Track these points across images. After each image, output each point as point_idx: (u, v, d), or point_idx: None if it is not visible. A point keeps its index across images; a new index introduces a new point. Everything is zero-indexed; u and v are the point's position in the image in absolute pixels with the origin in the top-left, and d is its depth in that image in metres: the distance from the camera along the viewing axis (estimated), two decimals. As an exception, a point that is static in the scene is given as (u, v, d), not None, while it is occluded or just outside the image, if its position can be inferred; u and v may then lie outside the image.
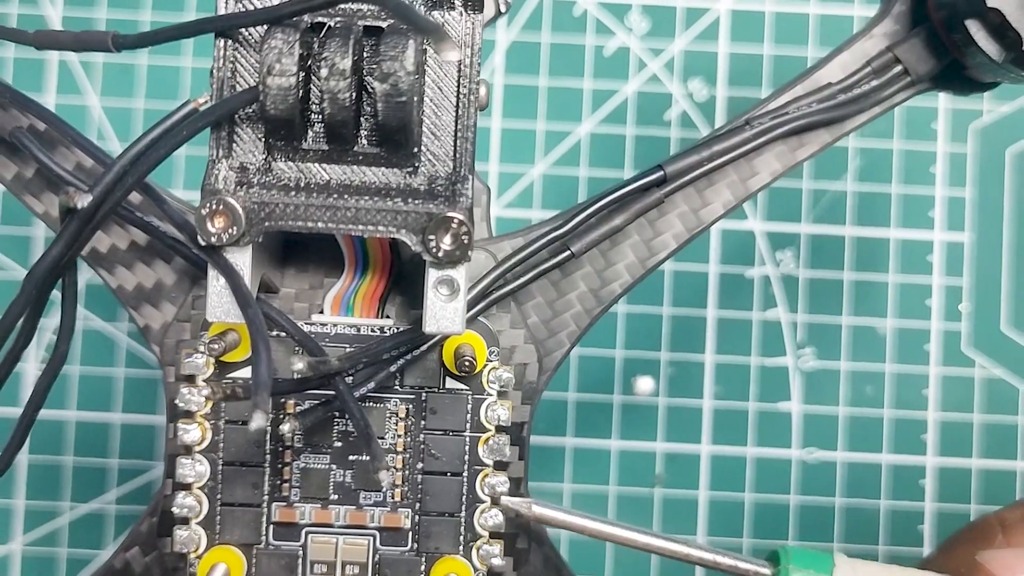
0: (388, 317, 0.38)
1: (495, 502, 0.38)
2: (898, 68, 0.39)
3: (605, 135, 0.60)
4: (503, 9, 0.39)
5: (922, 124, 0.59)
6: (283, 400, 0.37)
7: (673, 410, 0.59)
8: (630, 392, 0.59)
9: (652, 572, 0.58)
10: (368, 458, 0.35)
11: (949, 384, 0.59)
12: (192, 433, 0.37)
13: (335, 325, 0.37)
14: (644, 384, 0.59)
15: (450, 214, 0.32)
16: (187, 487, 0.37)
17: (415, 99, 0.31)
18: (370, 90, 0.31)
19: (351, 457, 0.38)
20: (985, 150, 0.60)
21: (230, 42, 0.32)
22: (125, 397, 0.58)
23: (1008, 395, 0.59)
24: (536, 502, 0.36)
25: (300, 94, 0.31)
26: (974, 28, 0.36)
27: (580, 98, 0.60)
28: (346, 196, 0.32)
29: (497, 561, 0.38)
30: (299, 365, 0.32)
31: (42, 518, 0.58)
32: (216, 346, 0.35)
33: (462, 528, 0.38)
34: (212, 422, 0.37)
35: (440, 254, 0.32)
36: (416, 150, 0.32)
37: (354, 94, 0.31)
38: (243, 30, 0.32)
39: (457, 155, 0.33)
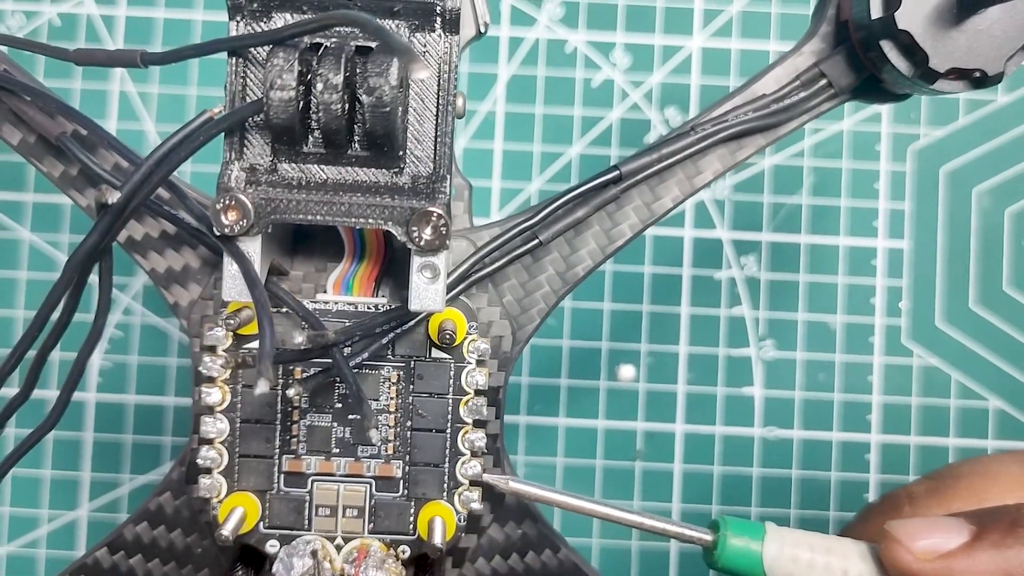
0: (382, 296, 0.38)
1: (474, 455, 0.38)
2: (823, 81, 0.39)
3: (593, 156, 0.60)
4: (483, 30, 0.39)
5: (867, 146, 0.60)
6: (291, 367, 0.37)
7: (651, 394, 0.59)
8: (614, 378, 0.59)
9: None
10: (361, 418, 0.35)
11: (890, 371, 0.59)
12: (214, 395, 0.37)
13: (336, 303, 0.38)
14: (626, 371, 0.59)
15: (430, 208, 0.32)
16: (210, 442, 0.38)
17: (399, 110, 0.31)
18: (360, 102, 0.31)
19: (350, 416, 0.38)
20: (921, 169, 0.60)
21: (241, 60, 0.32)
22: (177, 383, 0.59)
23: (941, 381, 0.59)
24: (512, 478, 0.37)
25: (299, 105, 0.31)
26: (887, 47, 0.36)
27: (571, 124, 0.60)
28: (341, 193, 0.32)
29: (475, 505, 0.38)
30: (299, 338, 0.32)
31: (105, 488, 0.59)
32: (232, 321, 0.35)
33: (445, 477, 0.38)
34: (231, 386, 0.38)
35: (422, 243, 0.32)
36: (401, 153, 0.33)
37: (346, 105, 0.31)
38: (252, 49, 0.32)
39: (437, 157, 0.33)
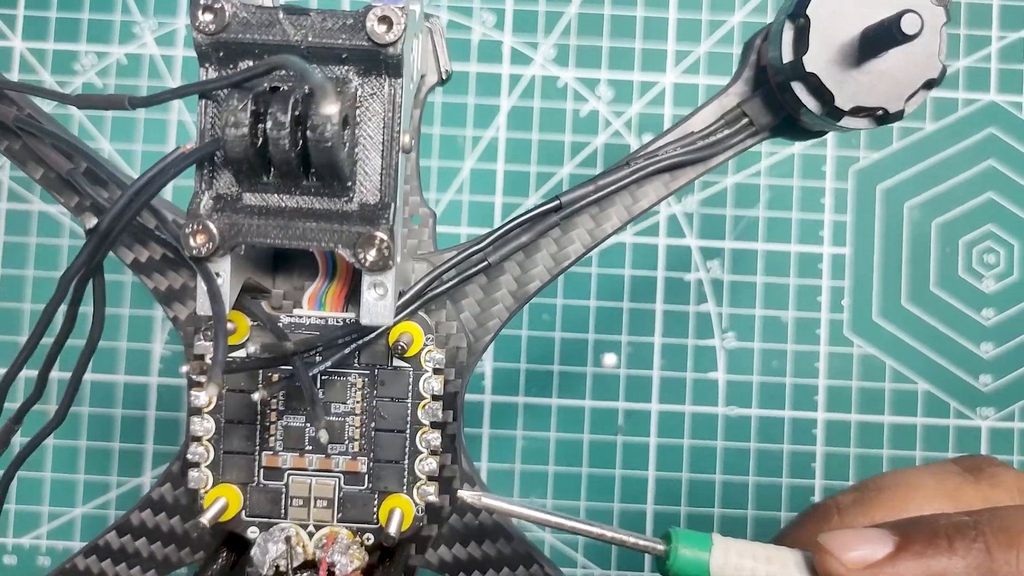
0: (351, 311, 0.37)
1: (432, 453, 0.37)
2: (745, 120, 0.37)
3: (581, 175, 0.60)
4: (445, 77, 0.38)
5: (815, 167, 0.60)
6: (268, 373, 0.36)
7: (631, 378, 0.59)
8: (599, 365, 0.59)
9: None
10: (316, 417, 0.34)
11: (834, 359, 0.59)
12: (202, 398, 0.36)
13: (309, 317, 0.37)
14: (609, 359, 0.59)
15: (375, 233, 0.31)
16: (198, 439, 0.37)
17: (342, 145, 0.30)
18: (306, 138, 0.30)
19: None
20: (861, 186, 0.60)
21: (209, 101, 0.31)
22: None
23: (877, 367, 0.59)
24: (485, 495, 0.35)
25: (252, 141, 0.30)
26: (798, 88, 0.34)
27: (562, 148, 0.60)
28: (297, 219, 0.31)
29: (432, 498, 0.37)
30: (251, 348, 0.31)
31: (166, 457, 0.59)
32: (211, 332, 0.34)
33: (405, 472, 0.37)
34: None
35: (367, 264, 0.31)
36: (350, 184, 0.32)
37: (296, 141, 0.30)
38: (219, 92, 0.31)
39: (383, 188, 0.32)
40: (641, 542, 0.34)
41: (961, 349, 0.59)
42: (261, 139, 0.30)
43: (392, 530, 0.35)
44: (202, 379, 0.36)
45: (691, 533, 0.34)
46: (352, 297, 0.37)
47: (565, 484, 0.59)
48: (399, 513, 0.36)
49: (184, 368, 0.31)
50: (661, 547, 0.34)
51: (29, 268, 0.59)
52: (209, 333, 0.34)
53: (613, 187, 0.37)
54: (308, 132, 0.29)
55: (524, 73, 0.60)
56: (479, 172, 0.60)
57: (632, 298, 0.59)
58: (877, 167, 0.60)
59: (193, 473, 0.37)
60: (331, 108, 0.27)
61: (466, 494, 0.35)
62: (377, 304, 0.32)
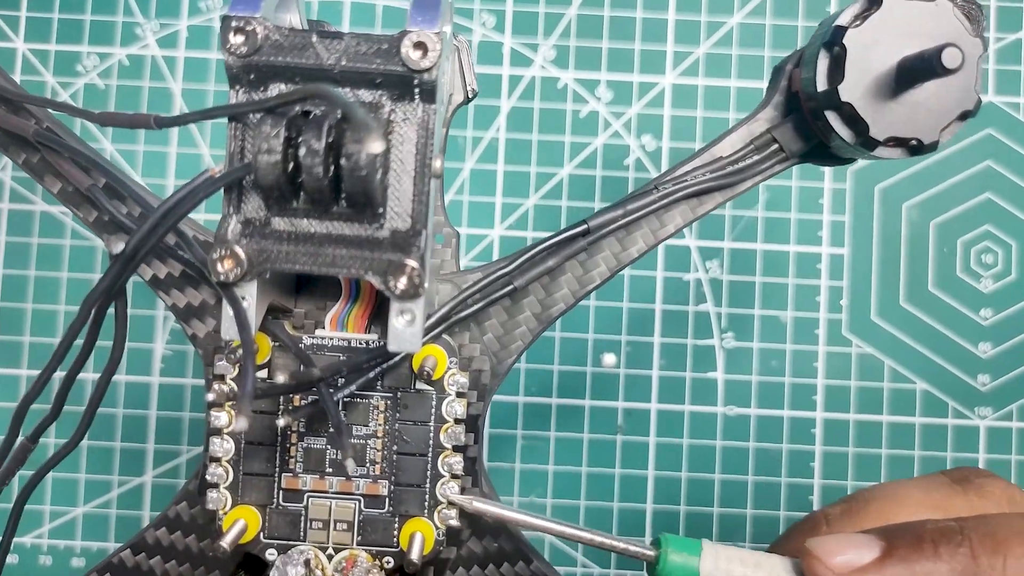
0: (374, 333, 0.37)
1: (454, 476, 0.37)
2: (775, 146, 0.37)
3: (580, 176, 0.60)
4: (471, 96, 0.38)
5: (813, 168, 0.59)
6: (290, 397, 0.36)
7: (630, 377, 0.59)
8: (599, 365, 0.59)
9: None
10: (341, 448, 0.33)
11: (832, 358, 0.60)
12: (222, 419, 0.36)
13: (332, 339, 0.36)
14: (609, 359, 0.59)
15: (406, 261, 0.30)
16: (217, 460, 0.36)
17: (376, 173, 0.30)
18: (340, 165, 0.30)
19: (343, 440, 0.36)
20: (859, 187, 0.60)
21: (239, 124, 0.31)
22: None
23: (876, 367, 0.60)
24: (476, 499, 0.35)
25: (285, 167, 0.29)
26: (832, 117, 0.34)
27: (562, 149, 0.60)
28: (326, 245, 0.31)
29: (453, 522, 0.37)
30: (281, 378, 0.31)
31: (167, 457, 0.59)
32: (233, 356, 0.34)
33: (427, 496, 0.37)
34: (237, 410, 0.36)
35: (397, 292, 0.31)
36: (381, 210, 0.31)
37: (330, 168, 0.29)
38: (250, 116, 0.31)
39: (414, 214, 0.31)
40: (631, 548, 0.34)
41: (959, 349, 0.60)
42: (292, 164, 0.30)
43: (415, 555, 0.35)
44: (222, 399, 0.36)
45: (681, 539, 0.34)
46: (375, 318, 0.36)
47: (564, 483, 0.59)
48: (420, 537, 0.36)
49: (210, 396, 0.31)
50: (651, 553, 0.34)
51: (31, 268, 0.59)
52: (232, 356, 0.34)
53: (640, 212, 0.36)
54: (343, 160, 0.29)
55: (524, 74, 0.61)
56: (479, 173, 0.60)
57: (631, 298, 0.60)
58: (875, 168, 0.60)
59: (212, 494, 0.36)
60: (378, 147, 0.26)
61: (457, 497, 0.35)
62: (405, 331, 0.32)
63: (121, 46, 0.60)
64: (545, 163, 0.60)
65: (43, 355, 0.58)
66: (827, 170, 0.60)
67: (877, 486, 0.40)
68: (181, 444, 0.59)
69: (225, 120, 0.31)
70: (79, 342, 0.33)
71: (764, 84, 0.39)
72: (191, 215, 0.37)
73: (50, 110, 0.37)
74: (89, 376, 0.57)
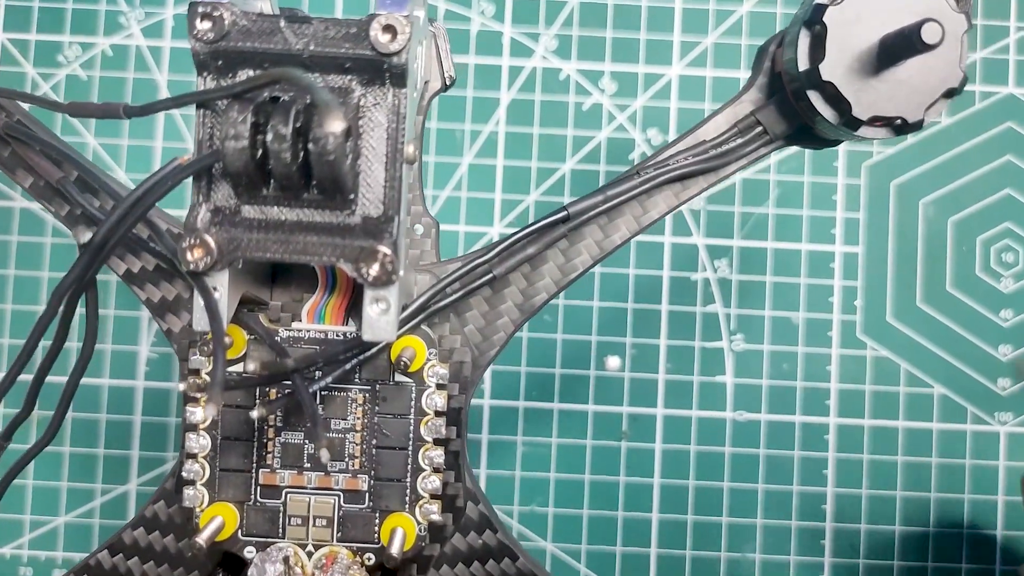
0: (352, 325, 0.36)
1: (435, 470, 0.36)
2: (759, 129, 0.36)
3: (583, 171, 0.59)
4: (448, 83, 0.38)
5: (826, 162, 0.59)
6: (266, 390, 0.36)
7: (635, 381, 0.58)
8: (602, 368, 0.58)
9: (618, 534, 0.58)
10: (316, 436, 0.33)
11: (846, 362, 0.59)
12: (197, 414, 0.36)
13: (309, 331, 0.36)
14: (613, 362, 0.58)
15: (378, 247, 0.30)
16: (193, 456, 0.36)
17: (345, 158, 0.29)
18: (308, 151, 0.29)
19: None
20: (874, 182, 0.59)
21: (208, 112, 0.30)
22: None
23: (892, 370, 0.58)
24: None
25: (253, 153, 0.29)
26: (814, 97, 0.34)
27: (564, 143, 0.59)
28: (298, 233, 0.30)
29: (435, 516, 0.36)
30: (251, 366, 0.31)
31: (153, 464, 0.58)
32: (207, 348, 0.34)
33: (407, 491, 0.36)
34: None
35: (370, 278, 0.30)
36: (353, 196, 0.31)
37: (297, 154, 0.29)
38: (217, 102, 0.30)
39: (386, 201, 0.31)
40: None
41: (979, 351, 0.58)
42: (261, 151, 0.29)
43: (395, 550, 0.34)
44: (198, 395, 0.35)
45: None
46: (353, 310, 0.36)
47: (567, 492, 0.58)
48: (401, 532, 0.35)
49: (181, 386, 0.31)
50: None
51: (10, 268, 0.58)
52: (205, 348, 0.33)
53: (622, 198, 0.36)
54: (310, 145, 0.28)
55: (525, 65, 0.59)
56: (478, 168, 0.59)
57: (636, 298, 0.59)
58: (891, 162, 0.59)
59: (188, 491, 0.36)
60: (337, 126, 0.26)
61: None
62: (380, 319, 0.31)
63: (104, 35, 0.59)
64: (546, 158, 0.59)
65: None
66: (840, 165, 0.59)
67: None
68: (167, 450, 0.58)
69: (203, 110, 0.30)
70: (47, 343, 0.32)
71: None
72: (166, 209, 0.37)
73: (20, 102, 0.37)
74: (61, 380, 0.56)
